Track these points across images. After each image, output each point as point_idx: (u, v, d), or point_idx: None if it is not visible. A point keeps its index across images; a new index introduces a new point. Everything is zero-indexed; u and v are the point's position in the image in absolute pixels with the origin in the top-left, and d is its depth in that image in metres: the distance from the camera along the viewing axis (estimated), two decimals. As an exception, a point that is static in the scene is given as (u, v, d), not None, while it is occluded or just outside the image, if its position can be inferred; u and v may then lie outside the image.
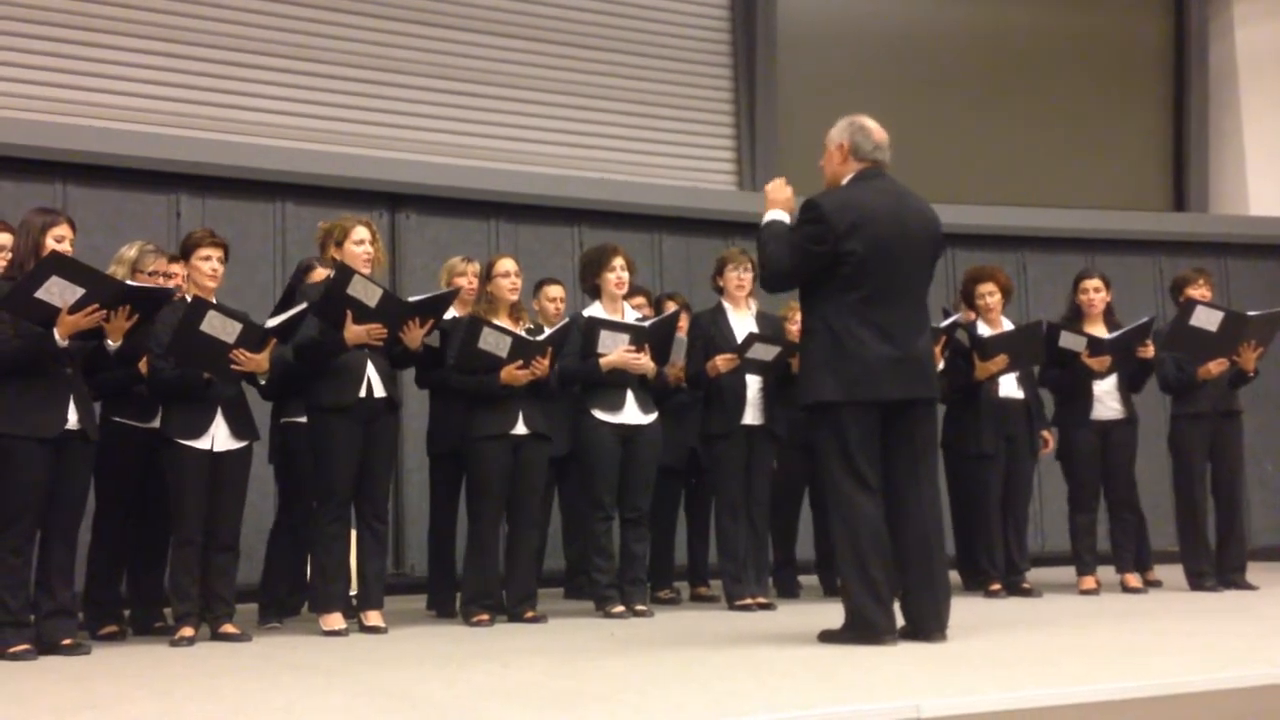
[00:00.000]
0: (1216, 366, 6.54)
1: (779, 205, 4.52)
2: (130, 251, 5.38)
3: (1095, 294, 6.71)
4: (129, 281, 4.94)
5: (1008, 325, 6.65)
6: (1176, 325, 6.49)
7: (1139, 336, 6.59)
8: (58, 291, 4.46)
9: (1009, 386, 6.54)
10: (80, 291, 4.49)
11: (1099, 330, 6.64)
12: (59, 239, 4.62)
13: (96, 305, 4.52)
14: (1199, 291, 6.76)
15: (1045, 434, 6.77)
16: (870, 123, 4.50)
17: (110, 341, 4.72)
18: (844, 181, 4.47)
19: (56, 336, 4.49)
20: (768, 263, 4.48)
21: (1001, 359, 6.34)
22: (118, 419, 5.21)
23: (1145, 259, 10.02)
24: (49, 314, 4.47)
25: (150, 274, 5.28)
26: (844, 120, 4.53)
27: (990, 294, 6.62)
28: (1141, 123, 11.04)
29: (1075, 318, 6.72)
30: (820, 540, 6.96)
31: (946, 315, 6.62)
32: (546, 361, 5.49)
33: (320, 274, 5.68)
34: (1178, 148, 11.05)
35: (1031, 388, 6.66)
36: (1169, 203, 11.01)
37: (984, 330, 6.53)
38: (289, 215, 7.86)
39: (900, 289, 4.36)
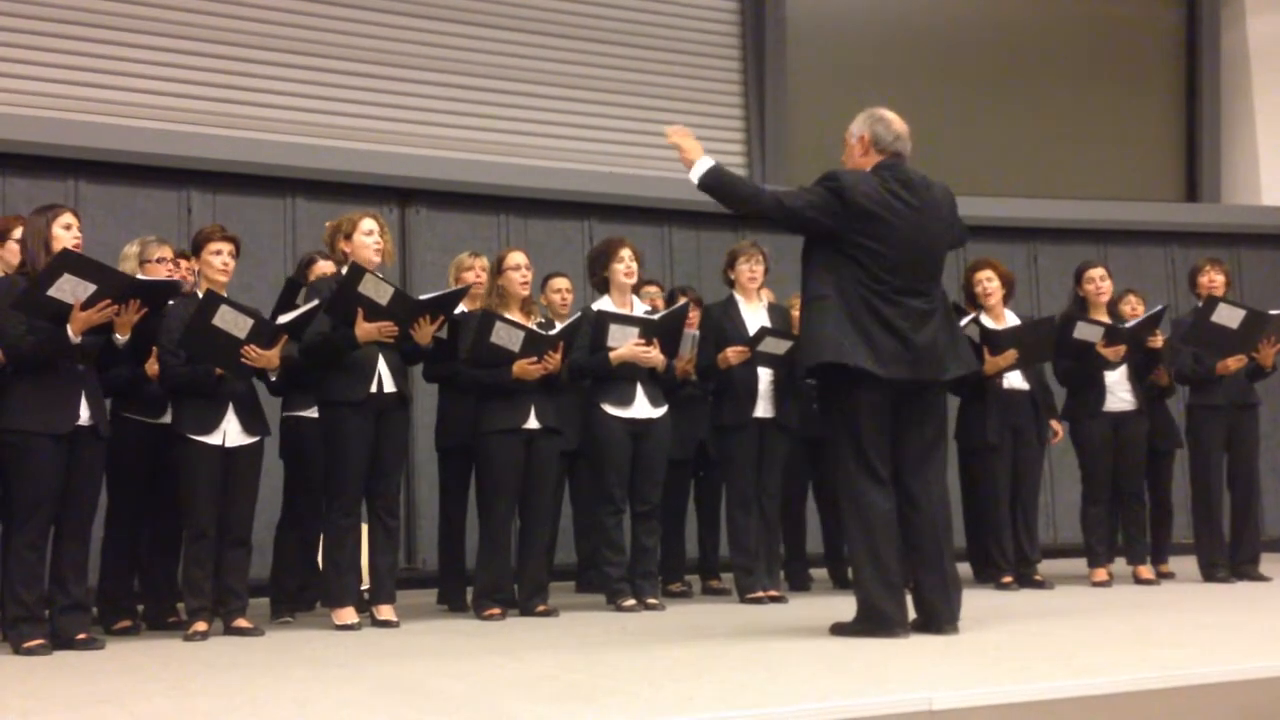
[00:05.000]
0: (1235, 363, 6.52)
1: (700, 153, 4.38)
2: (133, 248, 5.41)
3: (1101, 283, 6.69)
4: (139, 275, 4.98)
5: (1011, 316, 6.62)
6: (1198, 321, 6.47)
7: (1152, 326, 6.58)
8: (69, 289, 4.48)
9: (1014, 378, 6.51)
10: (92, 288, 4.50)
11: (1105, 321, 6.62)
12: (67, 226, 4.65)
13: (108, 300, 4.54)
14: (1206, 278, 6.77)
15: (1055, 424, 6.75)
16: (890, 114, 4.47)
17: (118, 335, 4.73)
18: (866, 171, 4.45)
19: (70, 333, 4.51)
20: (749, 193, 4.38)
21: (1011, 354, 6.32)
22: (128, 415, 5.23)
23: (1157, 250, 9.98)
24: (61, 311, 4.49)
25: (158, 260, 5.30)
26: (864, 113, 4.50)
27: (989, 280, 6.58)
28: (1153, 113, 10.99)
29: (1081, 309, 6.70)
30: (827, 534, 6.98)
31: (957, 312, 6.59)
32: (559, 356, 5.49)
33: (322, 267, 5.69)
34: (1189, 138, 11.01)
35: (1037, 379, 6.64)
36: (1181, 193, 10.96)
37: (986, 322, 6.50)
38: (299, 210, 7.87)
39: (917, 279, 4.33)
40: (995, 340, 6.35)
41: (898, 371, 4.25)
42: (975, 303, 6.61)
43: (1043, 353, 6.50)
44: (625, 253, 5.85)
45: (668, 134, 4.46)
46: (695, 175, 4.37)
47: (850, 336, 4.23)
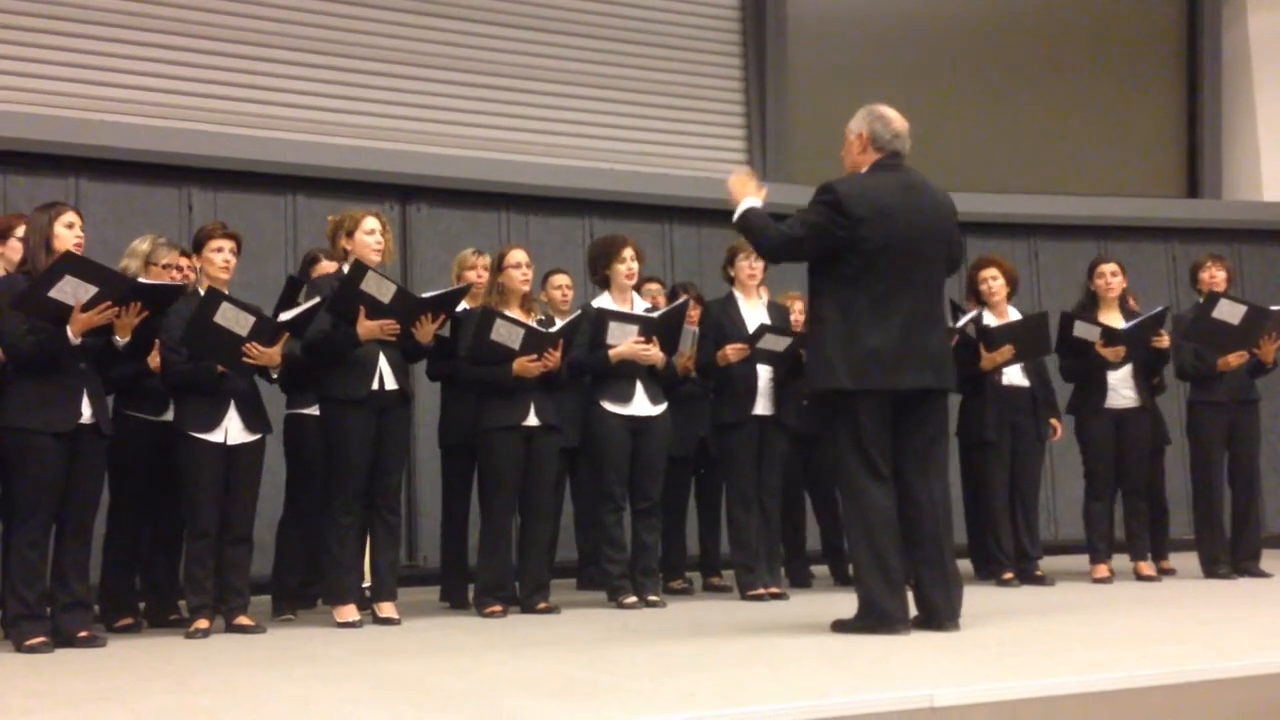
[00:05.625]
0: (1236, 359, 6.53)
1: (751, 194, 4.49)
2: (143, 245, 5.40)
3: (1112, 278, 6.69)
4: (141, 277, 4.98)
5: (1014, 313, 6.63)
6: (1199, 317, 6.47)
7: (1153, 326, 6.58)
8: (70, 290, 4.48)
9: (1014, 375, 6.52)
10: (93, 290, 4.51)
11: (1114, 316, 6.63)
12: (69, 224, 4.65)
13: (109, 303, 4.54)
14: (1207, 274, 6.78)
15: (1054, 421, 6.75)
16: (889, 112, 4.46)
17: (118, 337, 4.73)
18: (862, 171, 4.45)
19: (70, 334, 4.51)
20: (769, 234, 4.41)
21: (1007, 350, 6.33)
22: (130, 412, 5.23)
23: (1158, 246, 9.98)
24: (62, 312, 4.50)
25: (164, 266, 5.30)
26: (863, 110, 4.50)
27: (993, 278, 6.59)
28: (1154, 109, 10.99)
29: (1091, 304, 6.71)
30: (824, 531, 6.98)
31: (955, 309, 6.60)
32: (559, 353, 5.49)
33: (326, 265, 5.70)
34: (1191, 134, 11.00)
35: (1038, 375, 6.64)
36: (1182, 189, 10.96)
37: (990, 319, 6.51)
38: (300, 208, 7.87)
39: (915, 281, 4.33)
40: (991, 336, 6.36)
41: (900, 379, 4.26)
42: (979, 300, 6.62)
43: (1040, 348, 6.50)
44: (628, 253, 5.86)
45: (732, 176, 4.61)
46: (736, 214, 4.50)
47: (850, 354, 4.24)
